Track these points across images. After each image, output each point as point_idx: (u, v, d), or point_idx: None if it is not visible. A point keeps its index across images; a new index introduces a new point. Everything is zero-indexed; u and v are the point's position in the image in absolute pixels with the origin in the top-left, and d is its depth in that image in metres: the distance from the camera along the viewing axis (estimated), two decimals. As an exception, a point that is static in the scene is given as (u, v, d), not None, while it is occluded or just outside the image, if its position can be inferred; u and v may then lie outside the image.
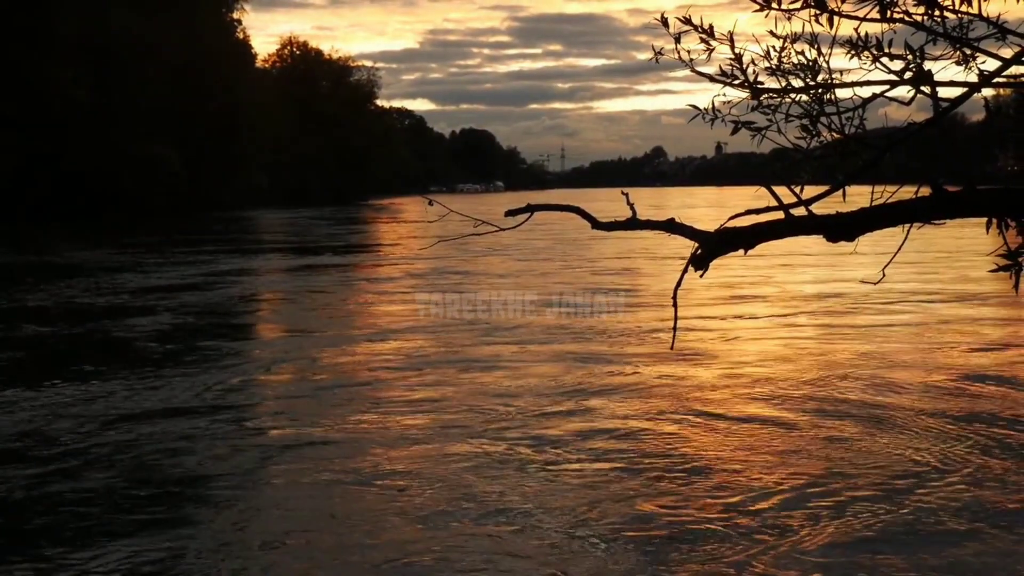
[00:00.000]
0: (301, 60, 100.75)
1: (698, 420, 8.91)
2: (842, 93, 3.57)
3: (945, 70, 3.46)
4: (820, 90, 3.52)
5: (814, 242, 3.54)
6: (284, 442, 8.52)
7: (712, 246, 3.32)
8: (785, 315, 15.73)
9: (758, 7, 3.41)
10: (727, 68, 3.56)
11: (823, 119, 3.51)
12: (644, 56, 3.69)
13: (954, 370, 10.94)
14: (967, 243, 27.33)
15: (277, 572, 5.80)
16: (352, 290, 21.58)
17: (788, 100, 3.56)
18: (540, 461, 7.68)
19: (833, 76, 3.53)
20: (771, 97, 3.57)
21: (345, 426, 8.99)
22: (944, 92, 3.44)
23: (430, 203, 4.06)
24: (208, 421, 9.26)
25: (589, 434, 8.43)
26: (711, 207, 63.50)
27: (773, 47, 3.54)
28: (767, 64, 3.55)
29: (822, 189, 3.56)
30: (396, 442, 8.31)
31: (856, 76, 3.54)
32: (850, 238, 3.34)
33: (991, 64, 3.45)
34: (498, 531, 6.24)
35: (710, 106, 3.64)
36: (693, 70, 3.53)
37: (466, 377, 10.91)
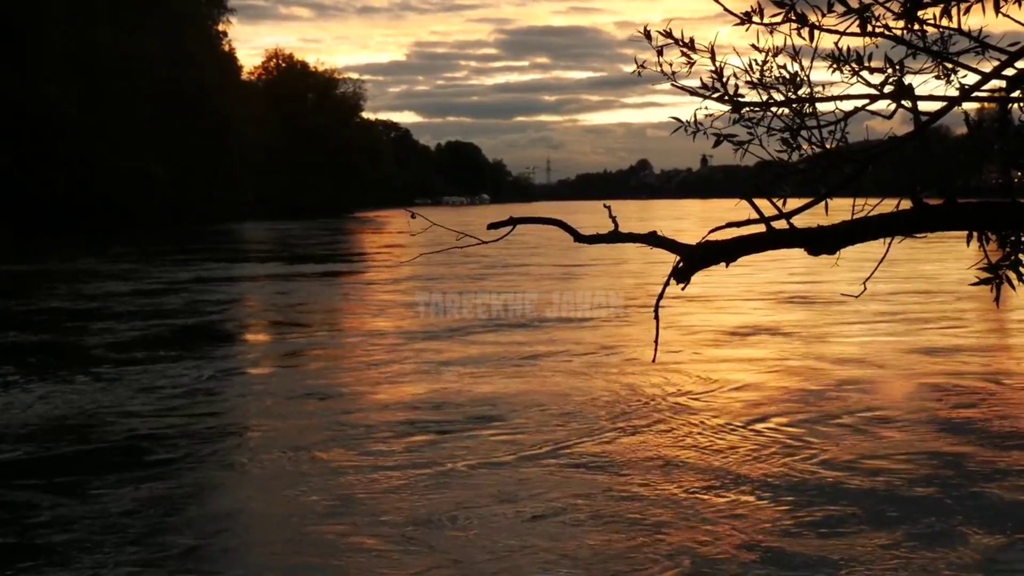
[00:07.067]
0: (287, 73, 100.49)
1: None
2: (824, 107, 3.57)
3: (926, 84, 3.47)
4: (801, 103, 3.52)
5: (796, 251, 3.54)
6: (265, 442, 8.61)
7: (694, 259, 3.30)
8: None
9: (738, 21, 3.41)
10: (709, 81, 3.56)
11: (804, 132, 3.50)
12: (630, 69, 3.66)
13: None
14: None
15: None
16: (330, 296, 21.94)
17: (769, 113, 3.55)
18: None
19: (815, 90, 3.53)
20: (753, 110, 3.57)
21: (326, 425, 9.11)
22: (925, 106, 3.44)
23: (412, 216, 4.04)
24: (185, 420, 9.40)
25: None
26: (696, 220, 63.66)
27: (755, 60, 3.53)
28: (749, 77, 3.54)
29: (804, 202, 3.55)
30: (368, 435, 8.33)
31: (838, 90, 3.54)
32: (832, 251, 3.33)
33: (972, 78, 3.46)
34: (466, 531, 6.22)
35: (692, 119, 3.63)
36: (674, 83, 3.52)
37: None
